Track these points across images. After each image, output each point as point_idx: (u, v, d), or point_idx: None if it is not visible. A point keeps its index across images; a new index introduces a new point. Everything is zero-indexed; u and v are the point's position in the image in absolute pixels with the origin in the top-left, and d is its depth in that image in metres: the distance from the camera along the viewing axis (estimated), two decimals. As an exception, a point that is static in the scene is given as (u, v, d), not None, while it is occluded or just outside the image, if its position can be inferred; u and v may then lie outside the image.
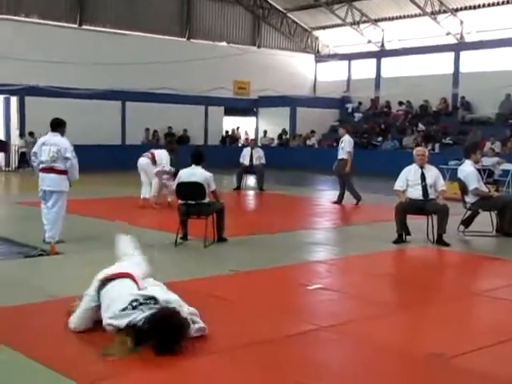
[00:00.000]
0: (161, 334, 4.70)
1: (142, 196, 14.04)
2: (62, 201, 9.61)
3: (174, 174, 12.90)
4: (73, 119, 23.64)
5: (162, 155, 14.09)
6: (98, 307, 5.17)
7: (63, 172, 9.52)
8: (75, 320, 5.26)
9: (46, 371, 4.57)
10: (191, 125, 28.44)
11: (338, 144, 16.86)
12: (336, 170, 15.92)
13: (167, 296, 5.13)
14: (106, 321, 4.95)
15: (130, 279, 5.25)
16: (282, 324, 5.89)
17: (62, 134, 9.72)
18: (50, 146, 9.49)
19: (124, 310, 4.87)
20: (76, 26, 26.69)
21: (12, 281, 7.46)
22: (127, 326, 4.81)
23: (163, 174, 13.91)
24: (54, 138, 9.57)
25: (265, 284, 7.49)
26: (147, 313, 4.84)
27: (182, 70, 27.43)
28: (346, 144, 15.62)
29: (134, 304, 4.90)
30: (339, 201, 15.54)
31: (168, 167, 13.83)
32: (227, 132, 31.24)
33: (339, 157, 15.65)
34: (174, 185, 10.54)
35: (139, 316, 4.83)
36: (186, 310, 5.16)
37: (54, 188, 9.52)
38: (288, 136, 30.23)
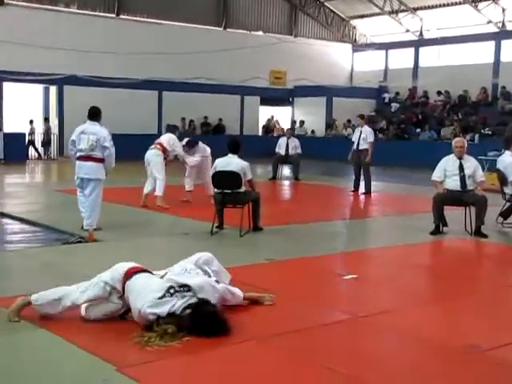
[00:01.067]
0: (202, 330, 4.84)
1: (144, 192, 12.57)
2: (99, 188, 9.68)
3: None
4: (110, 109, 24.02)
5: (172, 140, 13.27)
6: (108, 297, 5.20)
7: (101, 160, 9.60)
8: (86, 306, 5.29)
9: (86, 355, 4.66)
10: (227, 114, 28.49)
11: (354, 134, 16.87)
12: (355, 160, 15.90)
13: (198, 281, 5.14)
14: (144, 310, 4.90)
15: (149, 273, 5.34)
16: (317, 313, 5.92)
17: (100, 122, 9.84)
18: (89, 134, 9.56)
19: (162, 297, 4.91)
20: (114, 15, 26.88)
21: (51, 267, 7.59)
22: (168, 314, 4.87)
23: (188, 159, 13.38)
24: (93, 127, 9.64)
25: (300, 273, 7.51)
26: (183, 301, 4.91)
27: (218, 59, 27.49)
28: (369, 134, 15.78)
29: (172, 291, 4.96)
30: (356, 189, 15.65)
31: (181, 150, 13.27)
32: (269, 121, 31.37)
33: (360, 147, 15.66)
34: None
35: (177, 304, 4.89)
36: (219, 287, 5.27)
37: (91, 176, 9.60)
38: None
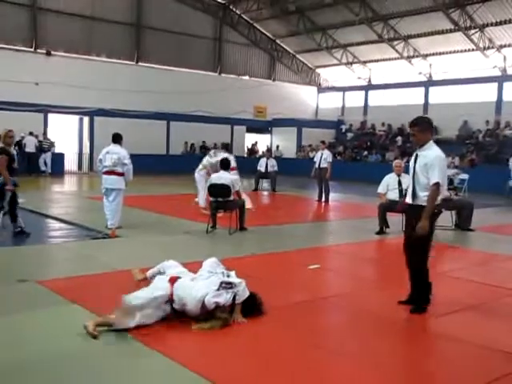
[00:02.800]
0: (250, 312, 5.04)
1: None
2: (120, 196, 9.68)
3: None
4: (129, 134, 23.83)
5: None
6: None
7: (121, 174, 9.61)
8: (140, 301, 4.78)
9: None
10: (220, 139, 28.37)
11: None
12: (318, 176, 15.94)
13: (236, 280, 5.08)
14: (209, 299, 4.79)
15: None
16: (290, 294, 5.91)
17: (121, 144, 9.81)
18: (112, 154, 9.58)
19: (218, 290, 4.86)
20: (134, 63, 26.84)
21: (83, 256, 7.54)
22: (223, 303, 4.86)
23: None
24: (115, 148, 9.65)
25: (276, 264, 7.50)
26: (230, 292, 4.90)
27: (214, 97, 27.56)
28: (328, 156, 15.88)
29: (223, 285, 4.92)
30: (320, 199, 15.67)
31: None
32: (253, 145, 31.30)
33: (322, 166, 15.71)
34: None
35: (227, 296, 4.87)
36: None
37: (114, 186, 9.59)
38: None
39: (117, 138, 9.78)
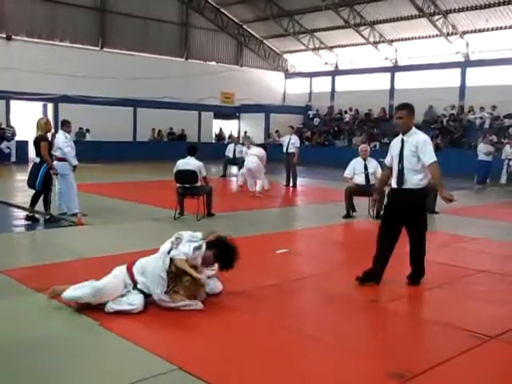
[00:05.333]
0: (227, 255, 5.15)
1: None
2: (67, 181, 9.54)
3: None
4: (95, 121, 23.92)
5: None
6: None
7: (62, 159, 9.51)
8: None
9: (76, 314, 4.59)
10: (188, 126, 28.30)
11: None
12: (286, 161, 15.99)
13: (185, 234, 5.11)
14: (175, 257, 4.83)
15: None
16: (259, 279, 5.92)
17: (67, 131, 9.78)
18: (56, 139, 9.72)
19: (171, 249, 4.92)
20: (98, 48, 26.37)
21: (48, 245, 7.43)
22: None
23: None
24: (58, 134, 9.84)
25: (244, 248, 7.46)
26: (186, 245, 4.88)
27: (181, 83, 27.29)
28: (296, 141, 15.89)
29: (174, 242, 4.96)
30: (288, 184, 15.75)
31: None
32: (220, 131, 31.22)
33: (289, 151, 15.75)
34: None
35: (185, 248, 4.87)
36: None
37: (59, 171, 9.46)
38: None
39: (62, 125, 9.87)
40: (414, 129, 5.74)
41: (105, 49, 26.56)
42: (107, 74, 24.78)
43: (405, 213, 5.73)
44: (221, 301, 5.09)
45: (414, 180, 5.61)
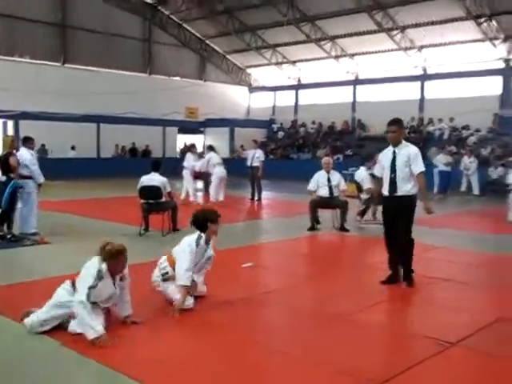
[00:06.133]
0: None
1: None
2: (30, 199, 9.38)
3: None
4: (57, 138, 23.56)
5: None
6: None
7: (28, 177, 9.32)
8: None
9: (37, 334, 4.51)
10: (152, 141, 28.16)
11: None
12: (250, 175, 16.07)
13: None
14: None
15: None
16: (226, 293, 5.92)
17: (31, 148, 9.63)
18: (20, 157, 9.31)
19: None
20: (60, 64, 26.12)
21: (10, 265, 7.28)
22: None
23: None
24: (21, 150, 9.51)
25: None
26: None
27: (145, 98, 27.11)
28: (260, 155, 15.97)
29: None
30: (253, 197, 15.82)
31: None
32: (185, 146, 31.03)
33: (254, 165, 15.83)
34: None
35: None
36: None
37: (25, 190, 9.31)
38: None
39: (25, 141, 9.73)
40: (404, 141, 6.30)
41: (66, 64, 26.31)
42: (69, 89, 24.46)
43: (399, 215, 6.20)
44: (188, 315, 5.08)
45: (406, 188, 6.17)
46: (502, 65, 24.13)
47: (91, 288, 4.52)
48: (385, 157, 6.36)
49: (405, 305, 5.72)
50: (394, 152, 6.26)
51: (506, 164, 18.86)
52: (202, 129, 31.30)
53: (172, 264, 5.48)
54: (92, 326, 4.35)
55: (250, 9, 26.70)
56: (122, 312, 4.89)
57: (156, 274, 5.58)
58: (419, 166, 6.16)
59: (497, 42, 23.50)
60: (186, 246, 5.49)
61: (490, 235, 10.59)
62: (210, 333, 4.75)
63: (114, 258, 4.67)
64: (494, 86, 24.11)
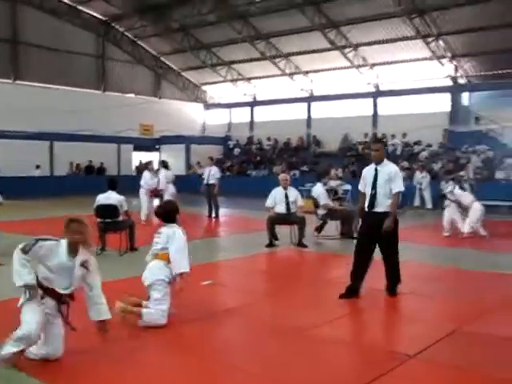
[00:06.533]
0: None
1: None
2: None
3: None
4: (9, 156, 22.96)
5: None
6: None
7: None
8: None
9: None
10: (107, 159, 27.81)
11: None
12: (207, 192, 16.05)
13: None
14: None
15: None
16: (185, 311, 5.86)
17: None
18: None
19: None
20: (11, 81, 25.61)
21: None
22: None
23: None
24: None
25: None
26: None
27: (99, 115, 26.77)
28: (216, 172, 16.00)
29: None
30: (210, 215, 15.80)
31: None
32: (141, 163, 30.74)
33: (210, 182, 15.84)
34: None
35: None
36: None
37: None
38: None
39: None
40: (385, 160, 6.56)
41: (18, 81, 25.81)
42: (21, 107, 23.97)
43: (378, 231, 6.36)
44: (149, 334, 5.01)
45: (386, 203, 6.41)
46: (449, 82, 24.95)
47: (39, 240, 4.29)
48: (367, 174, 6.63)
49: (364, 319, 5.80)
50: (376, 169, 6.52)
51: (455, 178, 19.43)
52: (157, 146, 31.14)
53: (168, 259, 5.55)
54: (21, 273, 4.16)
55: (205, 26, 26.88)
56: (91, 313, 4.51)
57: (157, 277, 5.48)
58: (399, 186, 6.45)
59: (444, 61, 24.34)
60: (181, 236, 5.70)
61: (446, 249, 10.84)
62: (170, 351, 4.70)
63: (67, 227, 4.36)
64: (443, 103, 24.90)
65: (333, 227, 11.82)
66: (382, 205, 6.43)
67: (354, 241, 11.12)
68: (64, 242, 4.36)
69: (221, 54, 29.35)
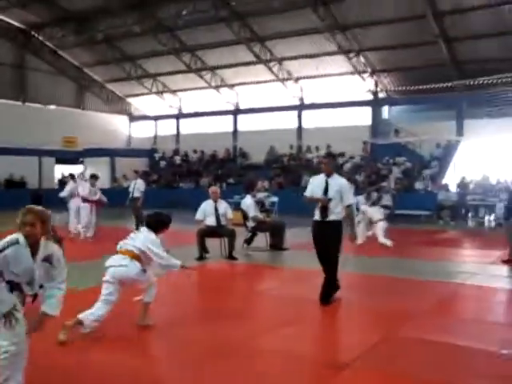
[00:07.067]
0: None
1: None
2: None
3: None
4: None
5: None
6: None
7: None
8: None
9: None
10: (28, 172, 26.75)
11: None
12: (132, 206, 15.82)
13: None
14: None
15: None
16: (114, 327, 5.69)
17: None
18: None
19: None
20: None
21: None
22: None
23: None
24: None
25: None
26: None
27: (19, 127, 25.80)
28: (141, 185, 15.83)
29: None
30: (137, 228, 15.53)
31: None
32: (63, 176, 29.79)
33: (135, 195, 15.64)
34: None
35: None
36: None
37: None
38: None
39: None
40: (335, 173, 7.02)
41: None
42: None
43: (329, 237, 6.79)
44: (83, 355, 4.83)
45: (336, 213, 6.82)
46: (370, 96, 25.84)
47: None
48: (316, 181, 7.03)
49: (300, 328, 5.83)
50: (327, 181, 6.90)
51: (378, 189, 20.09)
52: (81, 159, 30.31)
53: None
54: None
55: (130, 38, 26.52)
56: (42, 304, 3.99)
57: None
58: (350, 198, 7.01)
59: (365, 76, 25.20)
60: (157, 241, 5.89)
61: (370, 258, 11.13)
62: (96, 369, 4.55)
63: (22, 217, 3.87)
64: (365, 116, 25.75)
65: (262, 239, 11.90)
66: (333, 214, 6.80)
67: (284, 252, 11.38)
68: (22, 239, 3.84)
69: (146, 66, 29.05)
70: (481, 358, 4.95)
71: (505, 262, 10.12)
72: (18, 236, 3.85)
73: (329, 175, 6.96)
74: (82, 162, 30.53)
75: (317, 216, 6.93)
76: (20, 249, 3.83)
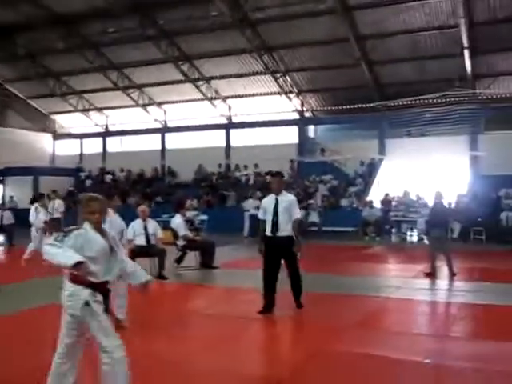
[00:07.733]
0: None
1: None
2: None
3: None
4: None
5: None
6: None
7: None
8: None
9: None
10: None
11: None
12: (52, 227, 15.45)
13: None
14: None
15: None
16: (36, 357, 5.48)
17: None
18: None
19: None
20: None
21: None
22: None
23: None
24: None
25: (26, 324, 6.92)
26: None
27: None
28: (60, 206, 15.77)
29: None
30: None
31: None
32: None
33: (55, 216, 15.37)
34: None
35: None
36: None
37: None
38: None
39: None
40: (284, 191, 7.47)
41: None
42: None
43: (282, 252, 7.25)
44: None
45: (286, 229, 7.24)
46: (296, 116, 26.42)
47: (69, 232, 3.84)
48: (267, 203, 7.41)
49: (236, 345, 5.84)
50: (277, 199, 7.34)
51: (307, 207, 20.51)
52: (1, 178, 29.11)
53: None
54: (68, 255, 3.67)
55: (55, 54, 25.92)
56: (131, 280, 4.38)
57: None
58: (298, 213, 7.42)
59: (291, 96, 25.75)
60: None
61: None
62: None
63: (85, 206, 4.07)
64: (291, 135, 26.26)
65: (192, 258, 11.84)
66: (284, 230, 7.24)
67: (214, 270, 11.36)
68: (88, 226, 3.97)
69: (71, 83, 28.39)
70: (407, 367, 5.13)
71: (427, 274, 10.56)
72: (83, 225, 3.98)
73: (277, 193, 7.41)
74: (1, 182, 29.33)
75: (268, 232, 7.29)
76: (91, 234, 3.93)
